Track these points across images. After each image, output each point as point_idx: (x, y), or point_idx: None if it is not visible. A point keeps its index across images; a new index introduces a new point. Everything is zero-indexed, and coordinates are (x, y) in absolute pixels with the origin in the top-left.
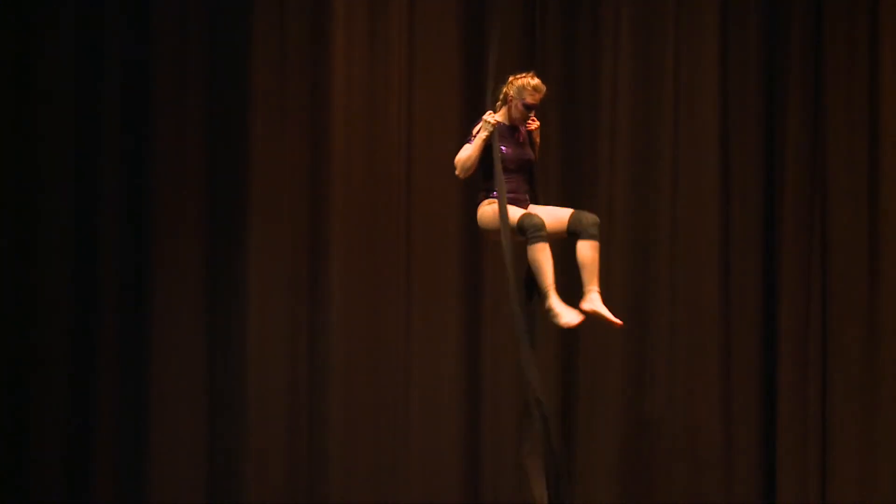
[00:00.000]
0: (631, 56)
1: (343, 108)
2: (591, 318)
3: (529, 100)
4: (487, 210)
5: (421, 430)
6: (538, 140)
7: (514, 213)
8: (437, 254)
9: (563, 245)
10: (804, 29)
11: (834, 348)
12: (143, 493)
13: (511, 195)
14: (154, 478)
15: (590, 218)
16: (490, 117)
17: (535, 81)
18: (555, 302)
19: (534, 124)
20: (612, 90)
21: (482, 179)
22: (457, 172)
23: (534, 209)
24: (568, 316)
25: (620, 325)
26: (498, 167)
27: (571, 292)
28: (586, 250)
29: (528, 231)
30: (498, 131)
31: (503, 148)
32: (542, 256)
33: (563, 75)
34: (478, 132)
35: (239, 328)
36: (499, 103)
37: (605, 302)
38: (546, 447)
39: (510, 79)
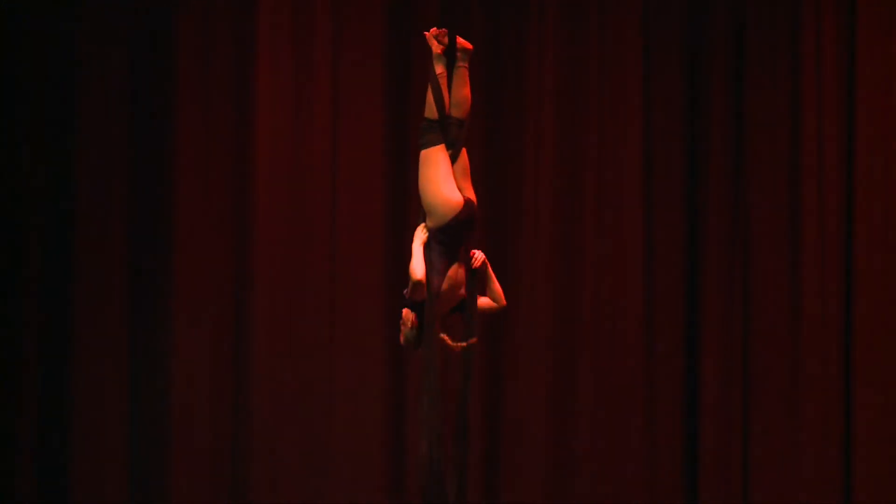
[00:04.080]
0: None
1: (268, 152)
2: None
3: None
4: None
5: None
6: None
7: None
8: (360, 288)
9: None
10: (726, 63)
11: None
12: None
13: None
14: None
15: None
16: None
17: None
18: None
19: (478, 261)
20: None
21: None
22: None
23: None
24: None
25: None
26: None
27: None
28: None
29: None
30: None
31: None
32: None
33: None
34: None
35: (162, 368)
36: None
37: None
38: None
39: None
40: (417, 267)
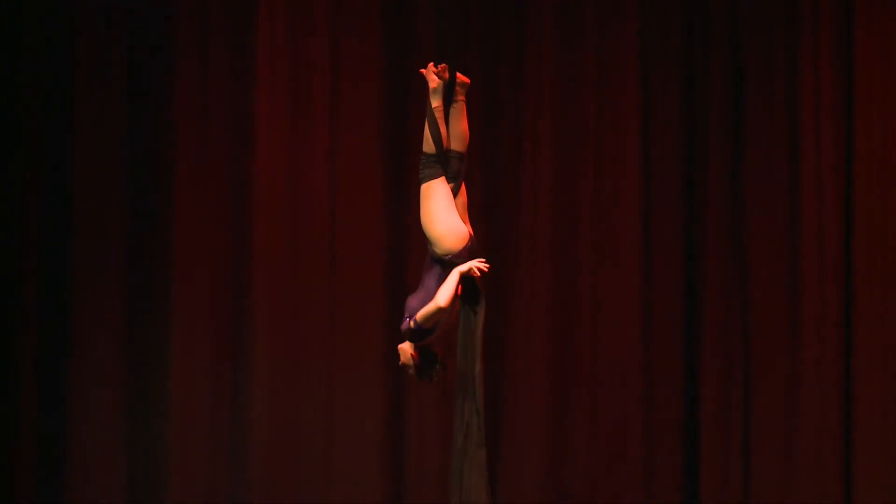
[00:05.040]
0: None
1: (267, 191)
2: None
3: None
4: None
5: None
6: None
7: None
8: (359, 319)
9: None
10: (725, 85)
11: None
12: None
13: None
14: None
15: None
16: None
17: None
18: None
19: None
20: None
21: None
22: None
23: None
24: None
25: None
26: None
27: None
28: None
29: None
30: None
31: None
32: None
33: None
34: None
35: (161, 391)
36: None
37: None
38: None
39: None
40: (447, 296)
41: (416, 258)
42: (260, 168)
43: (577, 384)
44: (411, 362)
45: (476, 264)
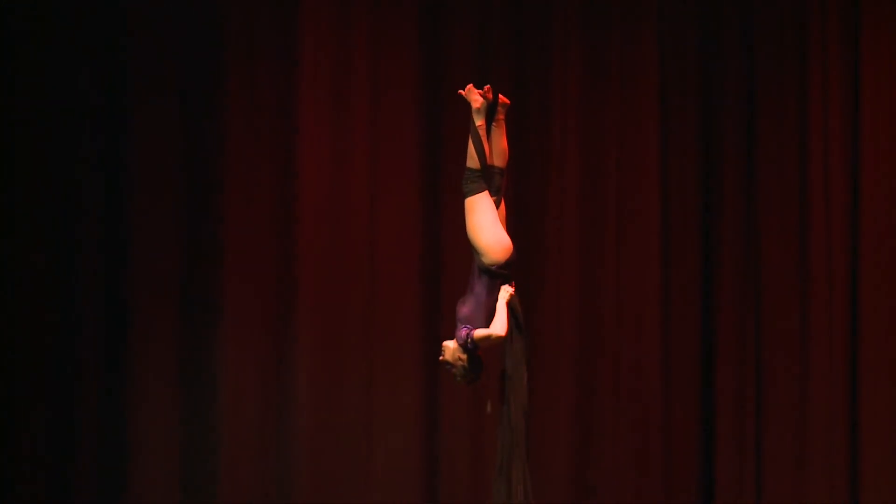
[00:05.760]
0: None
1: (310, 201)
2: None
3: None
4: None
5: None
6: None
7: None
8: (397, 326)
9: None
10: (739, 96)
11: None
12: None
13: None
14: None
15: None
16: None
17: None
18: None
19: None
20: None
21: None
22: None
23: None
24: None
25: None
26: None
27: None
28: None
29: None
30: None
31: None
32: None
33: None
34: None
35: (211, 400)
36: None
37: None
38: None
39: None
40: (502, 326)
41: (451, 263)
42: (304, 181)
43: (602, 385)
44: (457, 363)
45: (511, 291)
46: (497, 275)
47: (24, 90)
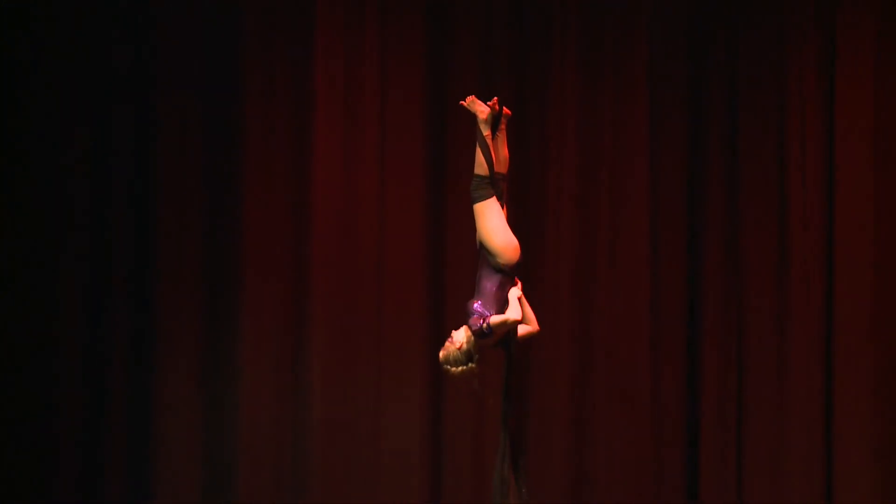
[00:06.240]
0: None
1: (323, 204)
2: None
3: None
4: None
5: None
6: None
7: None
8: (404, 323)
9: None
10: (723, 112)
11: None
12: None
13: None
14: None
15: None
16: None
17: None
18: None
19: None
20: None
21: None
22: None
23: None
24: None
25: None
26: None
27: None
28: None
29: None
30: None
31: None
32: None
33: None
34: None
35: (233, 393)
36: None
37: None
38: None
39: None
40: (517, 312)
41: (453, 263)
42: (318, 184)
43: (595, 380)
44: (455, 346)
45: (519, 287)
46: (508, 273)
47: (59, 93)
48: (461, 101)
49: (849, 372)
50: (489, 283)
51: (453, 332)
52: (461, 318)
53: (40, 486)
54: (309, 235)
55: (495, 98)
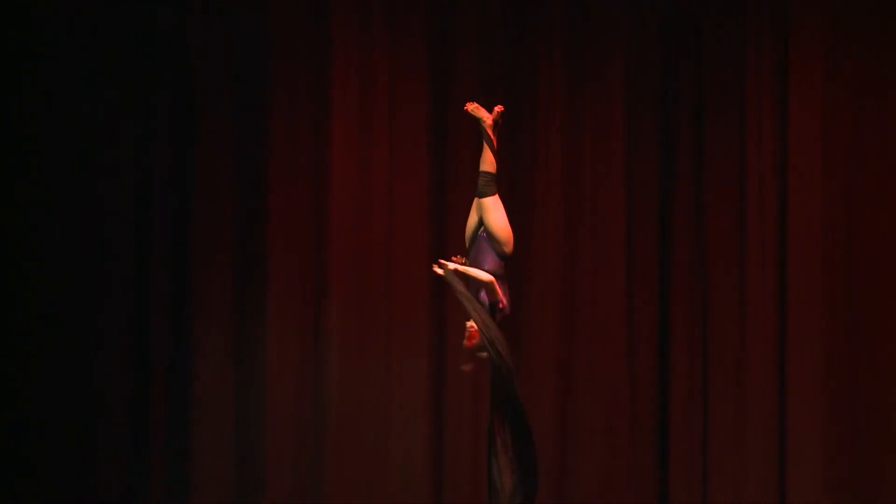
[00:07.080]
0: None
1: (340, 198)
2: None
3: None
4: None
5: (397, 433)
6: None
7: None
8: (411, 306)
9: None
10: (690, 122)
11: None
12: None
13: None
14: None
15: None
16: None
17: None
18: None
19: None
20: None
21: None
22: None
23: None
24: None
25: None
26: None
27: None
28: None
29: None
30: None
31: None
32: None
33: None
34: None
35: (261, 365)
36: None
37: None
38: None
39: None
40: (484, 274)
41: (457, 251)
42: (335, 181)
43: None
44: (473, 341)
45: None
46: (508, 260)
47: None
48: (466, 107)
49: (801, 358)
50: (495, 268)
51: (466, 323)
52: (461, 315)
53: (94, 445)
54: (327, 226)
55: (501, 107)
